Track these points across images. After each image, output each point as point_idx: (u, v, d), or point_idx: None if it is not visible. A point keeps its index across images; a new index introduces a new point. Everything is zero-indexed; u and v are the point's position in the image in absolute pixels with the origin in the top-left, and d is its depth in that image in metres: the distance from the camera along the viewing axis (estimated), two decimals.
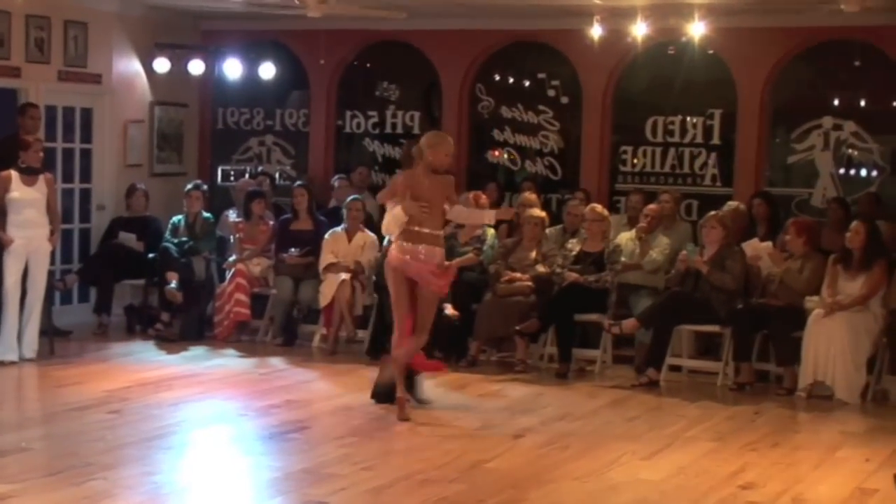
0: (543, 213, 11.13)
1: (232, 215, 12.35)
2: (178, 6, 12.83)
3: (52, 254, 10.73)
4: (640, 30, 10.68)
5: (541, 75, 12.94)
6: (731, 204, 11.08)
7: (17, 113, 11.10)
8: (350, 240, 11.41)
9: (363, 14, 11.70)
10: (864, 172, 11.87)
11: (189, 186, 12.15)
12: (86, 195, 12.57)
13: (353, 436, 8.02)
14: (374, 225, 11.58)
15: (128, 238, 12.01)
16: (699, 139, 12.23)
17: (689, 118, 12.27)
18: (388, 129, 13.49)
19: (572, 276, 10.63)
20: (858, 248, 9.83)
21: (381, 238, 11.20)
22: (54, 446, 7.56)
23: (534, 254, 10.88)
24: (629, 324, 10.24)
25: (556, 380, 10.26)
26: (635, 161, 12.46)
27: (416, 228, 8.39)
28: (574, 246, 10.91)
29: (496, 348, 11.04)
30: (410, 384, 8.83)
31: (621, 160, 12.55)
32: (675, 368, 10.52)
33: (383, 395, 8.78)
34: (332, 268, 11.27)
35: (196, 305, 11.63)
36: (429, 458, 7.50)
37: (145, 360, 10.57)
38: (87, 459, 7.11)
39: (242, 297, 11.48)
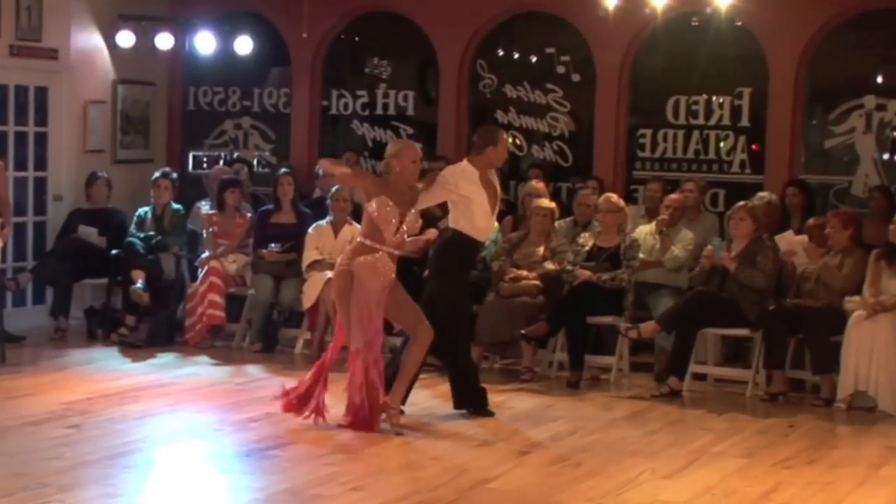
0: (552, 204, 11.14)
1: (204, 207, 12.35)
2: None
3: (4, 250, 10.73)
4: None
5: (549, 50, 12.93)
6: (763, 195, 11.07)
7: None
8: (336, 234, 11.41)
9: None
10: None
11: (157, 175, 12.15)
12: (41, 184, 12.56)
13: (340, 452, 8.03)
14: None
15: (88, 232, 12.01)
16: (726, 121, 12.22)
17: (714, 98, 12.26)
18: (379, 111, 13.50)
19: (585, 273, 10.64)
20: None
21: None
22: (6, 464, 7.54)
23: (542, 249, 10.89)
24: (648, 327, 10.24)
25: (566, 389, 10.27)
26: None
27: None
28: (586, 240, 10.91)
29: (500, 354, 11.04)
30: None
31: (639, 145, 12.55)
32: (700, 377, 10.53)
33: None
34: (317, 265, 11.27)
35: (165, 307, 11.64)
36: (425, 476, 7.51)
37: (108, 368, 10.57)
38: (42, 479, 7.10)
39: (216, 298, 11.49)
